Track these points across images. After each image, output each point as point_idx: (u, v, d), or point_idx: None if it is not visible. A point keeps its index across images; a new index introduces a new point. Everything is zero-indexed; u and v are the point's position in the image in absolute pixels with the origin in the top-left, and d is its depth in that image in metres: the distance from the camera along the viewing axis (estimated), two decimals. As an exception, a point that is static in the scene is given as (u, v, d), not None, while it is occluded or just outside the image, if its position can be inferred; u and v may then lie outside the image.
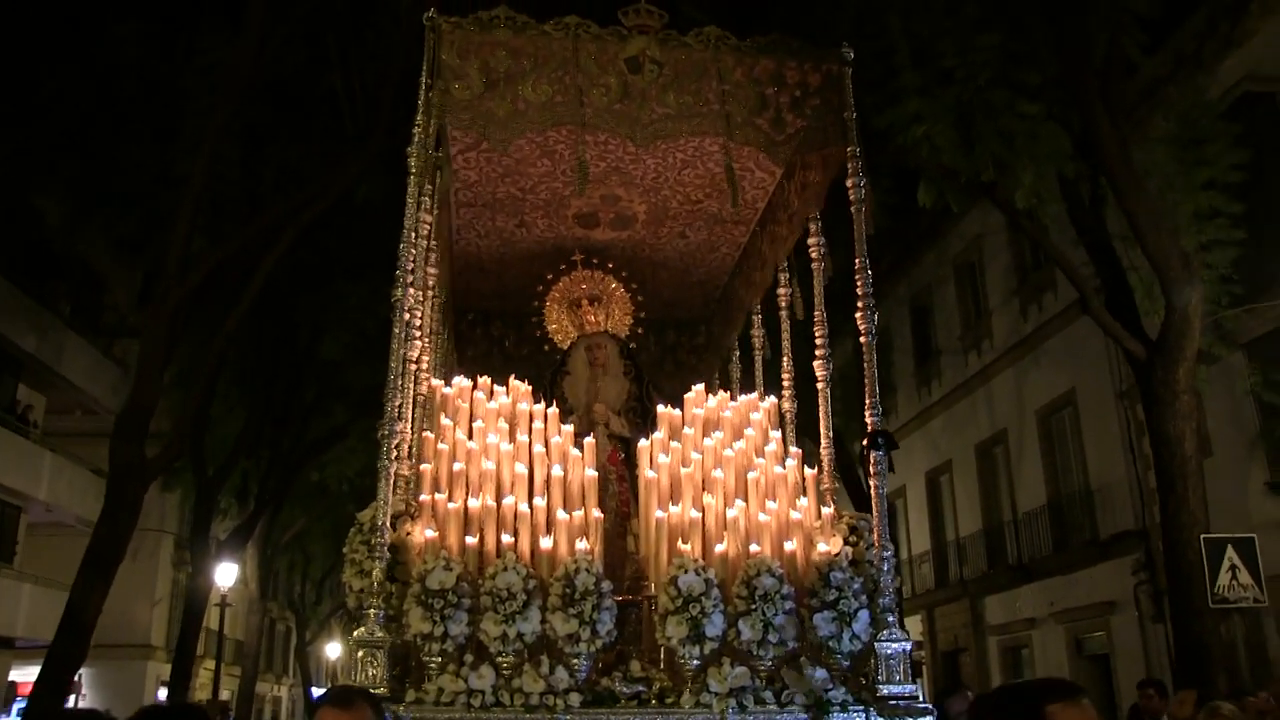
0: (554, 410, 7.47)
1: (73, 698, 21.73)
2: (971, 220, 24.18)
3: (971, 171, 13.25)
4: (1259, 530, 14.08)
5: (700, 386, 8.01)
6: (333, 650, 50.19)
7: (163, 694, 32.25)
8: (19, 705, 28.31)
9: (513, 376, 7.84)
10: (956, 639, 28.25)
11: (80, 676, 20.27)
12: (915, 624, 29.24)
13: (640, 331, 9.41)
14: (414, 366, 7.04)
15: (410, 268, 6.66)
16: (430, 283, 7.74)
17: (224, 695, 31.64)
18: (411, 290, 6.70)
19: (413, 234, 6.74)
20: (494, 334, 10.18)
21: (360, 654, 5.85)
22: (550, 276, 9.20)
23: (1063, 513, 23.37)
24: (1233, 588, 12.06)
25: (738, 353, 9.77)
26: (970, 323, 27.51)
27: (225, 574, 25.17)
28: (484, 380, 7.76)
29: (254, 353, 22.07)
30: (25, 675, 29.02)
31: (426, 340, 7.59)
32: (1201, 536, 12.44)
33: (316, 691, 40.75)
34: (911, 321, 29.77)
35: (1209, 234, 14.23)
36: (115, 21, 16.79)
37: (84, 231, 20.84)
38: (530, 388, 7.75)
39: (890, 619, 6.29)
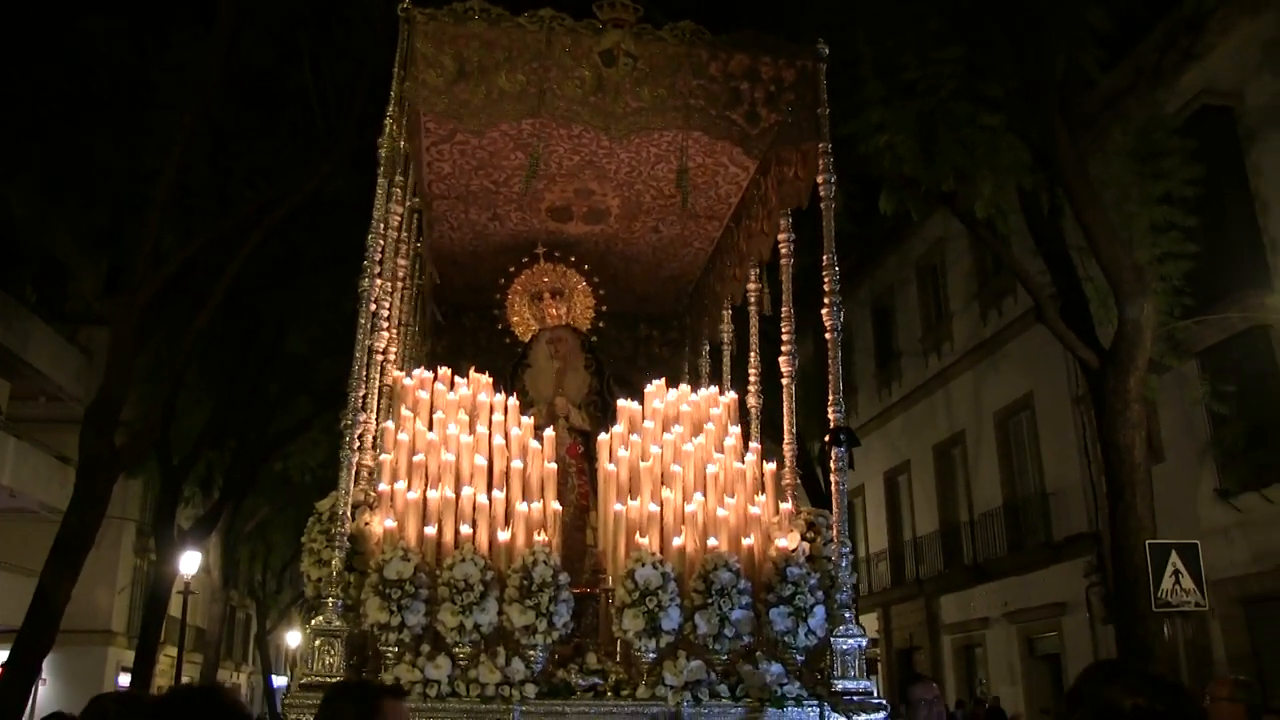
0: (514, 402, 7.41)
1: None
2: (934, 224, 24.28)
3: (932, 181, 13.36)
4: (1207, 535, 14.30)
5: (660, 381, 7.95)
6: (293, 639, 49.92)
7: (123, 680, 32.04)
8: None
9: (473, 368, 7.78)
10: (912, 637, 28.40)
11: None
12: (871, 622, 29.37)
13: (608, 326, 9.32)
14: (380, 357, 6.97)
15: (379, 259, 6.59)
16: (400, 274, 7.67)
17: (186, 682, 31.45)
18: (380, 281, 6.64)
19: (381, 225, 6.66)
20: (466, 325, 10.06)
21: (318, 643, 5.78)
22: (512, 269, 9.11)
23: (1018, 514, 23.55)
24: (1175, 592, 12.22)
25: (708, 347, 9.70)
26: (931, 325, 27.65)
27: (189, 562, 25.10)
28: (444, 371, 7.69)
29: (220, 345, 21.92)
30: None
31: (395, 332, 7.53)
32: (1146, 542, 12.54)
33: (277, 679, 40.57)
34: (873, 322, 29.88)
35: (1163, 246, 14.37)
36: (86, 17, 16.75)
37: (51, 222, 20.87)
38: (491, 380, 7.70)
39: (847, 615, 6.25)
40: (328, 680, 5.58)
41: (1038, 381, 22.42)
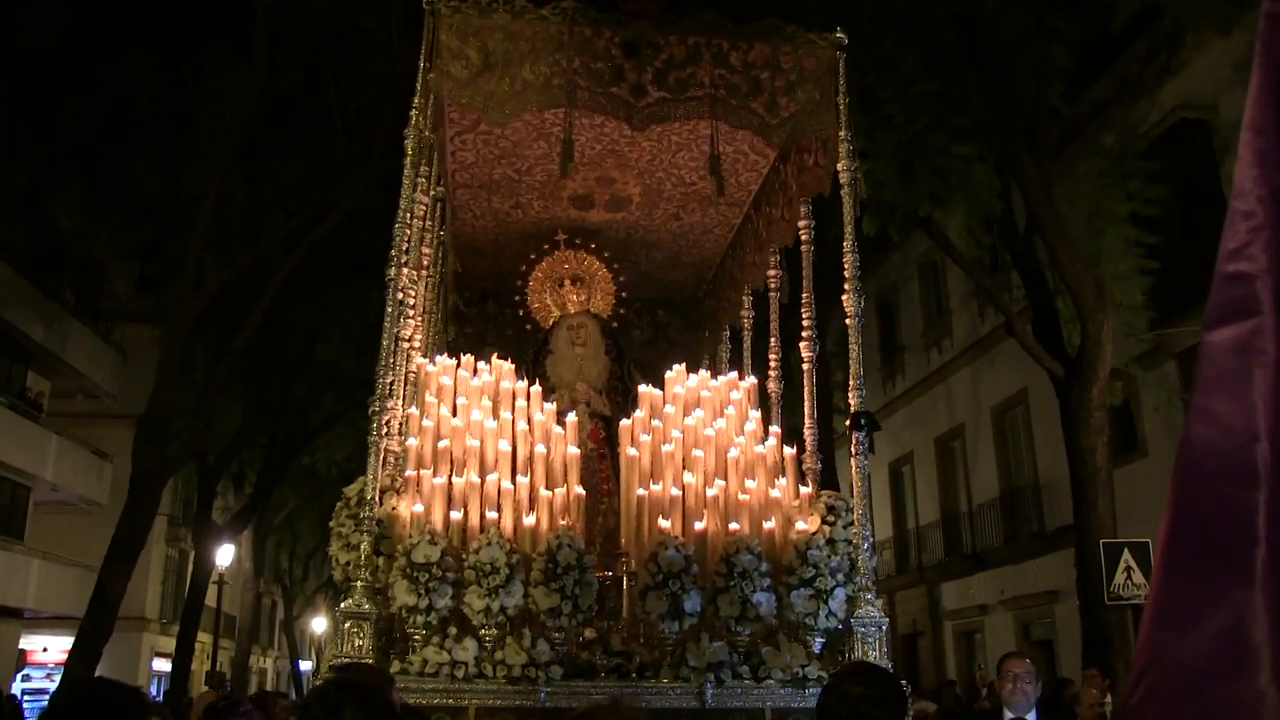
0: (537, 388, 7.17)
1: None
2: (941, 217, 24.05)
3: (910, 206, 13.87)
4: None
5: (681, 366, 7.69)
6: (318, 625, 49.85)
7: (158, 664, 32.08)
8: (26, 671, 28.22)
9: (495, 355, 7.55)
10: (915, 623, 28.13)
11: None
12: (876, 607, 29.11)
13: (627, 312, 9.10)
14: (406, 345, 6.74)
15: (405, 247, 6.36)
16: (424, 262, 7.43)
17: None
18: (406, 270, 6.41)
19: (408, 214, 6.43)
20: (489, 313, 9.72)
21: (347, 625, 5.57)
22: (534, 256, 8.84)
23: (1014, 505, 23.32)
24: (1127, 586, 12.51)
25: (728, 332, 9.41)
26: (932, 321, 27.47)
27: (224, 555, 25.43)
28: (467, 358, 7.46)
29: (252, 350, 21.99)
30: (31, 644, 29.34)
31: (420, 319, 7.29)
32: (1100, 541, 12.94)
33: (303, 664, 40.47)
34: (878, 317, 29.60)
35: (1129, 262, 14.75)
36: (129, 51, 17.19)
37: (93, 234, 21.82)
38: (513, 366, 7.47)
39: (868, 597, 6.01)
40: (358, 661, 5.36)
41: (1031, 378, 22.02)
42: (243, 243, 18.52)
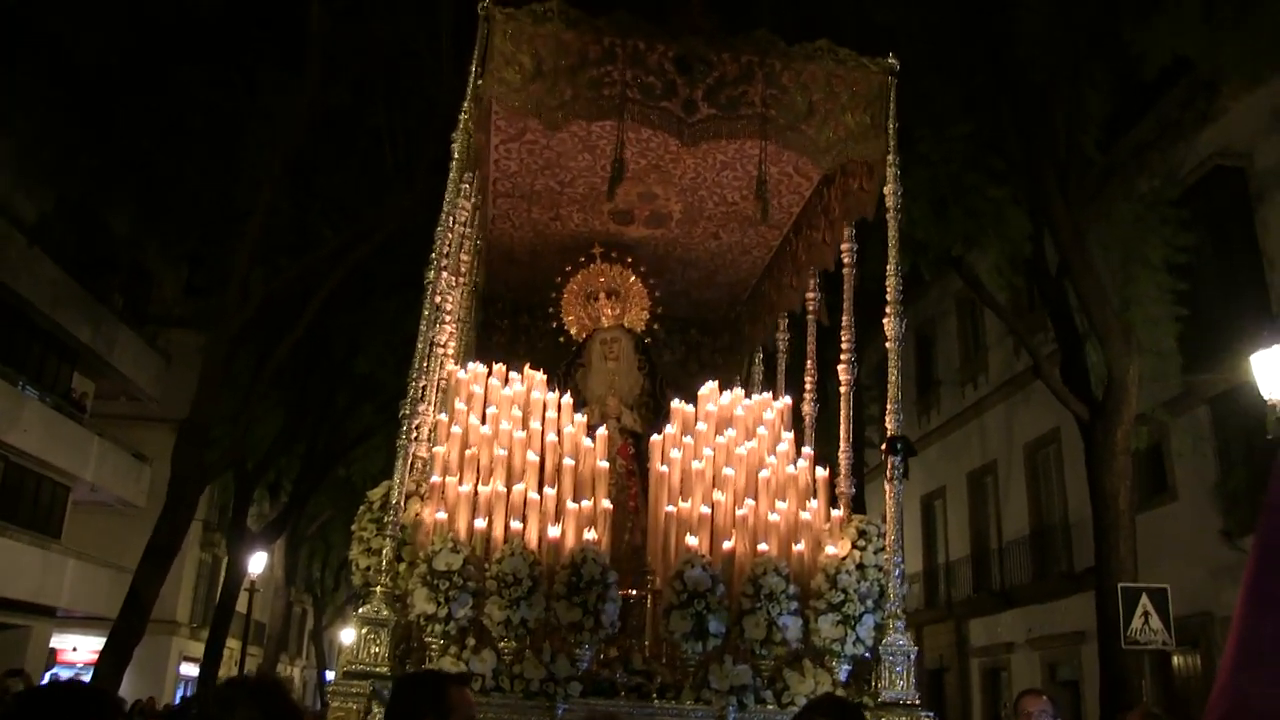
0: (567, 400, 7.01)
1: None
2: (973, 257, 23.81)
3: (943, 246, 13.85)
4: (1217, 573, 14.87)
5: (714, 384, 7.50)
6: (347, 635, 49.71)
7: (185, 668, 32.01)
8: (55, 670, 28.19)
9: (528, 365, 7.38)
10: (942, 658, 27.71)
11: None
12: (903, 641, 28.77)
13: (662, 329, 8.90)
14: (440, 350, 6.59)
15: (445, 252, 6.24)
16: (462, 269, 7.29)
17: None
18: (445, 275, 6.27)
19: (450, 218, 6.31)
20: (520, 324, 9.52)
21: (364, 631, 5.43)
22: (569, 269, 8.64)
23: (1043, 544, 22.97)
24: (1144, 631, 12.23)
25: (761, 355, 9.20)
26: (969, 357, 27.20)
27: (256, 562, 25.32)
28: (499, 367, 7.30)
29: (293, 359, 21.99)
30: (62, 643, 29.30)
31: (454, 326, 7.15)
32: (1119, 585, 12.68)
33: (330, 674, 40.34)
34: (915, 350, 29.26)
35: (1161, 308, 14.62)
36: (184, 64, 17.35)
37: (147, 245, 22.34)
38: (545, 377, 7.30)
39: (898, 625, 5.83)
40: (373, 669, 5.21)
41: (1064, 417, 21.60)
42: (288, 255, 18.43)
